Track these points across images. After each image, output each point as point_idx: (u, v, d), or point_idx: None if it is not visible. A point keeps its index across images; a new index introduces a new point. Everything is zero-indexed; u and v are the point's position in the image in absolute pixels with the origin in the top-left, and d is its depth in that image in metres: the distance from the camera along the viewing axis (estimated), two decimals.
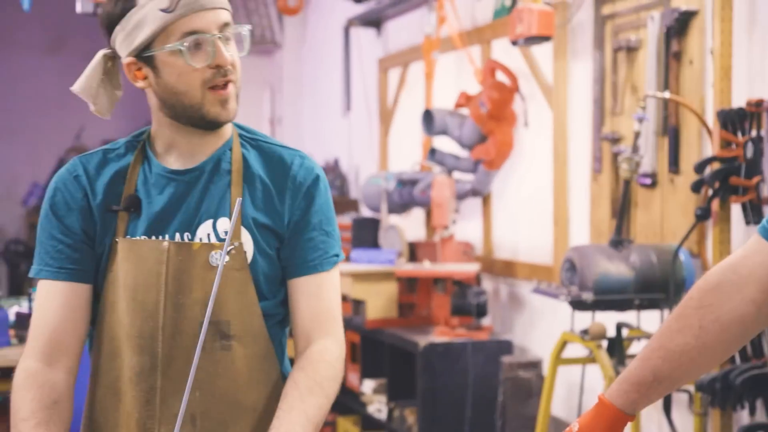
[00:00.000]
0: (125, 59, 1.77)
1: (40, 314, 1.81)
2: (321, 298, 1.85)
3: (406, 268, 4.93)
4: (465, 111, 4.98)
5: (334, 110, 7.07)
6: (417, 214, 5.74)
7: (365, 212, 6.11)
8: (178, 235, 1.80)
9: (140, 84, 1.79)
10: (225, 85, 1.77)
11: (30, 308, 3.70)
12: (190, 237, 1.80)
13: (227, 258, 1.77)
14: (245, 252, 1.80)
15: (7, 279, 9.54)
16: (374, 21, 6.36)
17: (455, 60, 5.35)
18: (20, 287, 8.93)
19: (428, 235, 5.60)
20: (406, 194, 5.33)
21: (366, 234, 5.52)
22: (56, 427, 1.74)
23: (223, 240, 1.79)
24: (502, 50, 4.87)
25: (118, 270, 1.80)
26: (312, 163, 1.89)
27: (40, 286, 1.83)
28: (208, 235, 1.81)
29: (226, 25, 1.76)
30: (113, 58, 1.83)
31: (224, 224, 1.81)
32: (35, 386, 1.75)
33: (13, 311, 3.87)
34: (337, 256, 1.88)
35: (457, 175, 5.11)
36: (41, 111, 9.84)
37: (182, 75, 1.74)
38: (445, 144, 5.24)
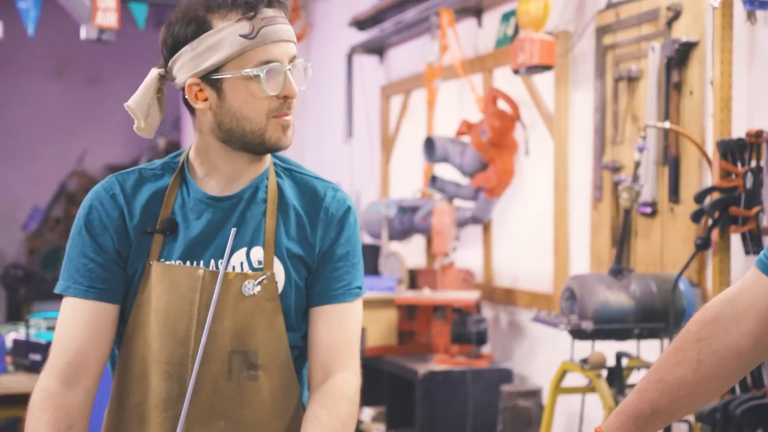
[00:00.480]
0: (189, 79, 1.76)
1: (65, 332, 1.77)
2: (341, 329, 1.85)
3: (406, 295, 4.92)
4: (466, 139, 4.99)
5: (336, 137, 7.09)
6: (417, 241, 5.74)
7: (366, 239, 6.11)
8: (212, 262, 1.80)
9: (199, 105, 1.78)
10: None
11: (27, 335, 3.68)
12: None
13: (259, 288, 1.78)
14: (276, 282, 1.80)
15: (6, 304, 9.47)
16: (377, 48, 6.39)
17: (457, 88, 5.37)
18: (18, 313, 8.88)
19: (428, 263, 5.59)
20: (407, 221, 5.33)
21: (366, 261, 5.51)
22: None
23: (256, 269, 1.80)
24: (504, 79, 4.89)
25: (150, 293, 1.79)
26: (344, 195, 1.91)
27: (65, 303, 1.80)
28: (242, 263, 1.80)
29: (294, 58, 1.78)
30: (163, 78, 1.83)
31: (257, 253, 1.80)
32: (51, 408, 1.72)
33: (10, 338, 3.83)
34: (359, 288, 1.89)
35: (457, 202, 5.12)
36: (43, 135, 9.83)
37: (249, 101, 1.74)
38: (446, 171, 5.25)
